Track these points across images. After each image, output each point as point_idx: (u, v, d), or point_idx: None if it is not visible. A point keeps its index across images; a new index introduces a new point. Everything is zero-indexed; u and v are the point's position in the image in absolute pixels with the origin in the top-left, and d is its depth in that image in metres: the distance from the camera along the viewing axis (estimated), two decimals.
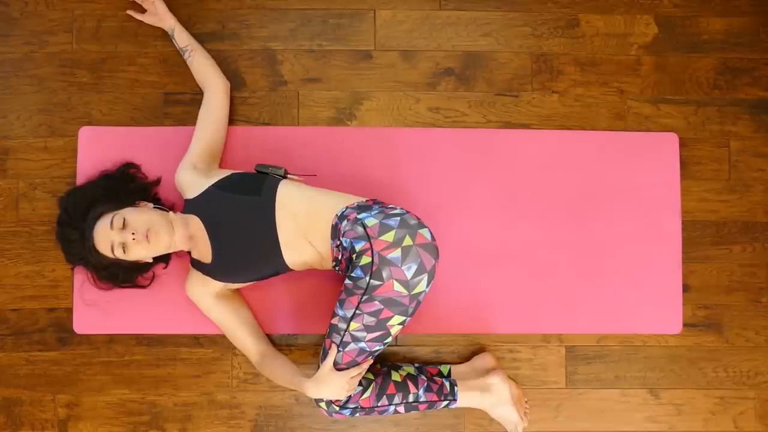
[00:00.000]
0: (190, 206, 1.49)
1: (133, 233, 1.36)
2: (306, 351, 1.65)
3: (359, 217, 1.35)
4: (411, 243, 1.31)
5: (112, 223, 1.38)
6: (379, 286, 1.30)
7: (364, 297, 1.31)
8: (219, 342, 1.64)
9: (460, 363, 1.64)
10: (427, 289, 1.35)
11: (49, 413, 1.63)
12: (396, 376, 1.51)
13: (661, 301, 1.66)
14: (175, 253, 1.58)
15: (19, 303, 1.64)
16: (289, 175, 1.51)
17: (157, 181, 1.61)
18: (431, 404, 1.51)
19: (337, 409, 1.45)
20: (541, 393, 1.66)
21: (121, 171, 1.57)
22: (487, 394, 1.55)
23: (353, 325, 1.34)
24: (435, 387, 1.52)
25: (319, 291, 1.63)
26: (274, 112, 1.68)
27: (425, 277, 1.33)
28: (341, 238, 1.36)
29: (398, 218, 1.34)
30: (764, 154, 1.72)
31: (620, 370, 1.67)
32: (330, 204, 1.42)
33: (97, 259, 1.42)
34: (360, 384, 1.46)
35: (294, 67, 1.69)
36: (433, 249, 1.34)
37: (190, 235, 1.46)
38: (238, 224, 1.43)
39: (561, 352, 1.67)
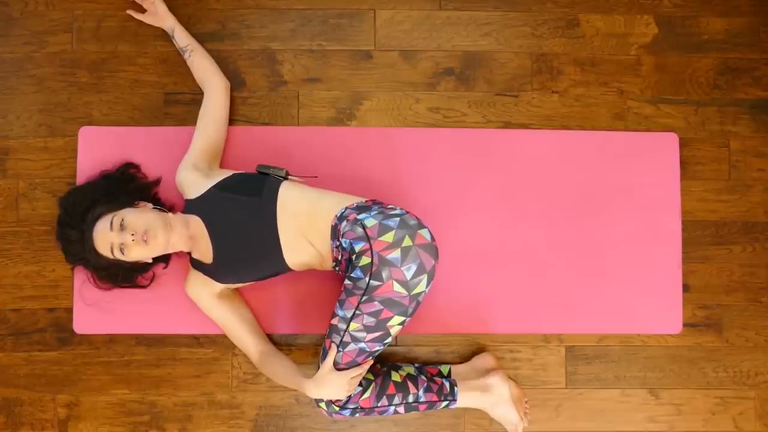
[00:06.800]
0: (191, 206, 1.49)
1: (132, 234, 1.36)
2: (306, 351, 1.65)
3: (359, 217, 1.35)
4: (410, 243, 1.31)
5: (111, 224, 1.38)
6: (379, 286, 1.30)
7: (364, 297, 1.31)
8: (219, 342, 1.64)
9: (460, 363, 1.64)
10: (426, 290, 1.35)
11: (49, 413, 1.63)
12: (396, 377, 1.51)
13: (661, 301, 1.66)
14: (175, 252, 1.58)
15: (19, 303, 1.64)
16: (290, 177, 1.51)
17: (157, 181, 1.61)
18: (431, 404, 1.51)
19: (337, 409, 1.45)
20: (541, 393, 1.66)
21: (121, 171, 1.57)
22: (487, 394, 1.55)
23: (353, 325, 1.34)
24: (435, 387, 1.52)
25: (319, 291, 1.63)
26: (274, 112, 1.68)
27: (425, 277, 1.33)
28: (341, 239, 1.36)
29: (398, 219, 1.34)
30: (764, 154, 1.72)
31: (620, 370, 1.67)
32: (330, 205, 1.42)
33: (96, 259, 1.42)
34: (360, 384, 1.46)
35: (294, 67, 1.69)
36: (432, 249, 1.34)
37: (191, 235, 1.46)
38: (240, 225, 1.43)
39: (561, 352, 1.67)
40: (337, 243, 1.39)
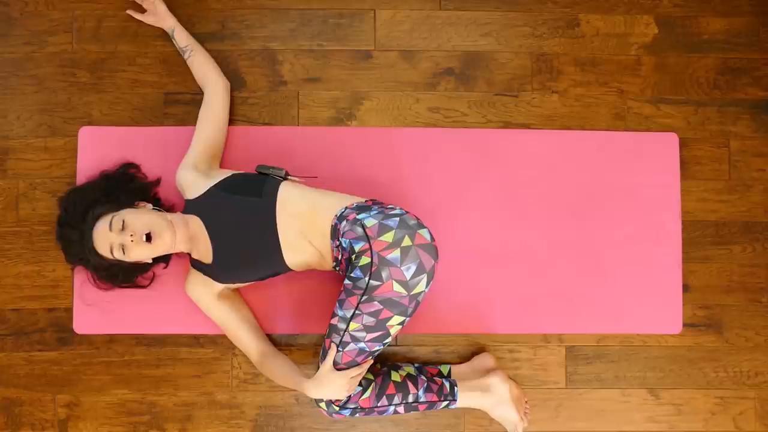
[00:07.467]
0: (190, 206, 1.49)
1: (131, 234, 1.36)
2: (306, 351, 1.65)
3: (358, 217, 1.35)
4: (410, 243, 1.31)
5: (111, 224, 1.38)
6: (379, 286, 1.30)
7: (364, 297, 1.32)
8: (219, 342, 1.64)
9: (460, 363, 1.64)
10: (426, 290, 1.35)
11: (49, 413, 1.63)
12: (396, 377, 1.51)
13: (661, 301, 1.66)
14: (176, 253, 1.58)
15: (19, 303, 1.64)
16: (289, 177, 1.51)
17: (157, 182, 1.61)
18: (431, 404, 1.51)
19: (337, 409, 1.45)
20: (541, 393, 1.66)
21: (121, 171, 1.57)
22: (487, 394, 1.55)
23: (353, 325, 1.34)
24: (435, 387, 1.52)
25: (319, 291, 1.63)
26: (274, 112, 1.68)
27: (424, 277, 1.33)
28: (341, 239, 1.36)
29: (397, 218, 1.34)
30: (764, 154, 1.72)
31: (620, 370, 1.67)
32: (329, 205, 1.42)
33: (96, 259, 1.42)
34: (360, 384, 1.46)
35: (294, 67, 1.69)
36: (432, 249, 1.34)
37: (191, 236, 1.46)
38: (239, 225, 1.43)
39: (561, 352, 1.67)
40: (337, 243, 1.39)
